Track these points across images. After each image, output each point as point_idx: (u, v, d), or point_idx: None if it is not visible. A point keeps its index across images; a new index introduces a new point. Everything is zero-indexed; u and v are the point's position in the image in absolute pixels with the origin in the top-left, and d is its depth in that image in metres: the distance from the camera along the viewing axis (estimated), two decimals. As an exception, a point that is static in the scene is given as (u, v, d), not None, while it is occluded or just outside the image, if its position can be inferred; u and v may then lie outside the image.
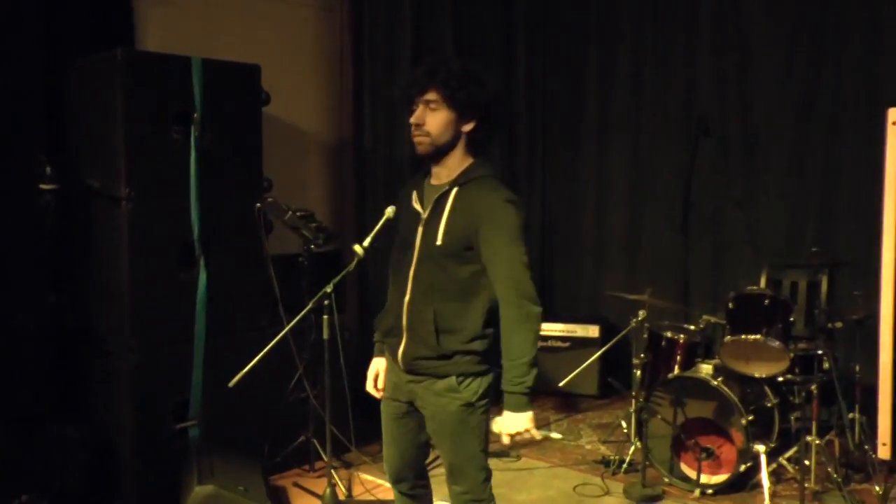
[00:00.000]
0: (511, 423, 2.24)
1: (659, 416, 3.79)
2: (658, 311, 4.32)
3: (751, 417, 3.60)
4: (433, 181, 2.37)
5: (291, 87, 4.58)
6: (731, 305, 3.81)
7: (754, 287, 3.91)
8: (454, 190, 2.29)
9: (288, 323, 2.84)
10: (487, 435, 2.38)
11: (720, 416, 3.66)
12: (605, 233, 5.69)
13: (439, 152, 2.30)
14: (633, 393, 4.06)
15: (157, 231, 3.39)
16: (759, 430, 3.66)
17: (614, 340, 4.38)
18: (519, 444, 2.28)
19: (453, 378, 2.29)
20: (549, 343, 5.27)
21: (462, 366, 2.29)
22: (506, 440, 2.28)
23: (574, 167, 5.81)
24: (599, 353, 4.67)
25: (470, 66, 2.29)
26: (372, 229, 2.52)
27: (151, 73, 3.36)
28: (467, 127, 2.28)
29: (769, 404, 3.79)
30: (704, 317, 4.03)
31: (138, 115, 3.32)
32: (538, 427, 2.23)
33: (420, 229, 2.32)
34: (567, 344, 5.24)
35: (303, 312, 2.78)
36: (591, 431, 4.68)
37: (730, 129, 5.02)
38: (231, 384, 2.63)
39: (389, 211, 2.45)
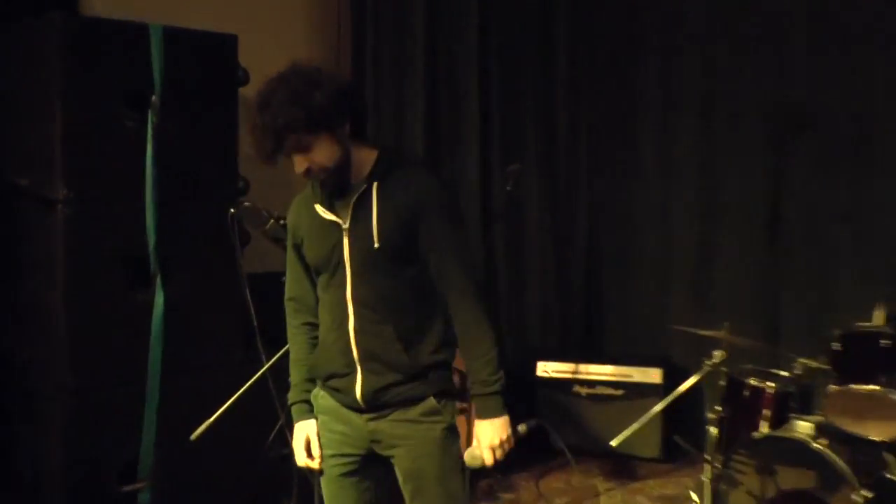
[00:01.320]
0: (490, 433, 2.40)
1: (742, 488, 3.73)
2: (739, 352, 4.23)
3: (869, 495, 3.48)
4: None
5: (275, 63, 4.48)
6: (836, 347, 3.73)
7: (867, 323, 3.83)
8: (374, 185, 2.41)
9: (268, 358, 2.81)
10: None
11: (824, 490, 3.57)
12: (669, 251, 5.65)
13: (345, 171, 2.41)
14: (707, 456, 3.99)
15: (102, 242, 3.39)
16: (878, 510, 3.58)
17: (682, 388, 4.28)
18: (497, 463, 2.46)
19: (432, 399, 2.43)
20: (598, 390, 5.25)
21: (438, 383, 2.44)
22: (488, 458, 2.40)
23: (629, 168, 5.77)
24: (662, 404, 4.53)
25: (294, 77, 2.37)
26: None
27: (98, 44, 3.38)
28: (346, 127, 2.38)
29: (892, 476, 3.67)
30: (801, 360, 3.96)
31: (80, 96, 3.33)
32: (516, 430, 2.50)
33: (345, 241, 2.42)
34: (621, 392, 5.21)
35: (287, 346, 2.73)
36: (652, 505, 4.64)
37: (833, 123, 4.95)
38: (194, 437, 2.62)
39: None
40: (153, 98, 3.44)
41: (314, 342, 2.57)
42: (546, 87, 5.78)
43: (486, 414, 2.41)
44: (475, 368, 2.40)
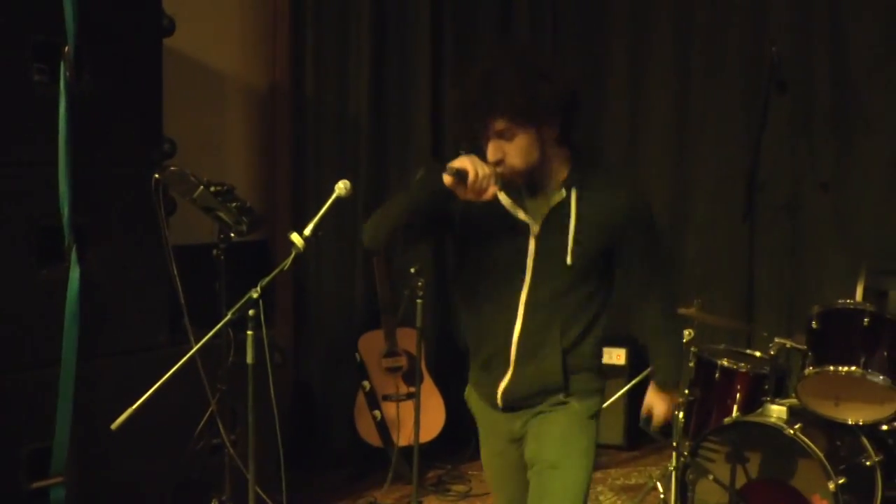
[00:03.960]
0: (665, 406, 2.89)
1: (710, 477, 3.78)
2: (710, 331, 4.35)
3: (842, 480, 3.58)
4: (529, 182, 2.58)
5: (204, 11, 4.54)
6: (814, 325, 3.80)
7: (848, 300, 3.90)
8: (574, 192, 2.50)
9: (197, 340, 2.81)
10: None
11: (798, 478, 3.65)
12: None
13: (535, 172, 2.49)
14: (674, 443, 4.00)
15: (8, 211, 3.32)
16: (853, 498, 3.64)
17: (648, 370, 4.34)
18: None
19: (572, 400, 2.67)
20: (559, 373, 5.26)
21: (582, 382, 2.66)
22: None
23: (595, 131, 5.79)
24: (627, 387, 4.74)
25: (532, 61, 2.44)
26: (316, 211, 2.55)
27: None
28: (552, 133, 2.47)
29: (868, 462, 3.77)
30: (776, 340, 4.02)
31: None
32: None
33: (531, 247, 2.53)
34: None
35: (218, 326, 2.76)
36: (614, 496, 4.69)
37: (816, 83, 5.04)
38: (114, 426, 2.60)
39: (341, 186, 2.55)
40: (66, 49, 3.34)
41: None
42: (505, 35, 5.73)
43: (664, 388, 2.86)
44: (663, 364, 2.85)
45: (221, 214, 3.49)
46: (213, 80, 4.68)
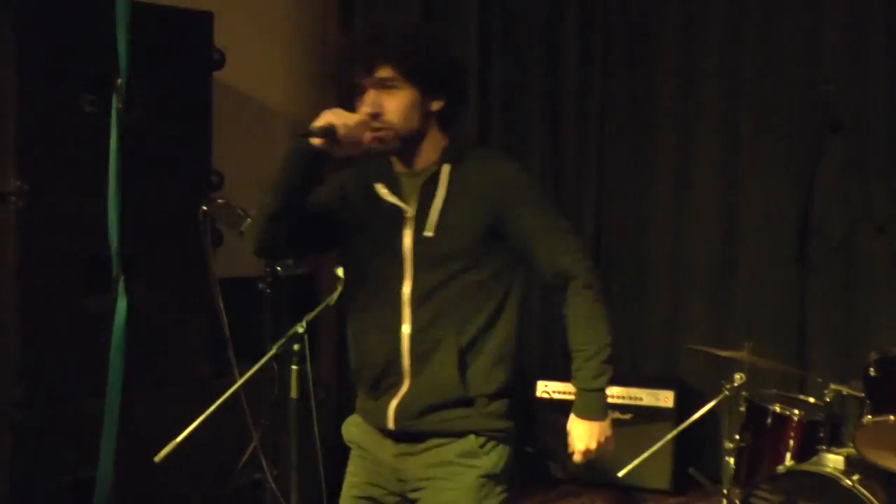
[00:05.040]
0: (586, 436, 2.43)
1: (763, 526, 3.73)
2: (762, 375, 4.27)
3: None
4: (399, 168, 2.44)
5: (254, 45, 4.62)
6: (872, 371, 3.71)
7: (908, 347, 3.83)
8: (445, 168, 2.37)
9: (241, 374, 2.82)
10: None
11: None
12: (685, 261, 5.66)
13: (408, 145, 2.38)
14: (725, 490, 4.02)
15: (58, 241, 3.39)
16: (915, 555, 3.58)
17: (698, 415, 4.33)
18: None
19: (472, 437, 2.40)
20: (605, 415, 5.20)
21: (486, 419, 2.41)
22: (577, 458, 2.45)
23: (643, 170, 5.78)
24: (676, 431, 4.61)
25: (428, 29, 2.46)
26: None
27: (57, 20, 3.36)
28: (436, 105, 2.37)
29: (931, 517, 3.69)
30: (832, 386, 3.94)
31: (36, 78, 3.31)
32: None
33: (408, 232, 2.38)
34: (629, 416, 5.21)
35: (263, 360, 2.76)
36: (662, 543, 4.63)
37: (871, 121, 4.99)
38: (158, 458, 2.63)
39: None
40: (118, 81, 3.38)
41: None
42: (553, 72, 5.78)
43: (583, 413, 2.44)
44: (578, 361, 2.41)
45: (268, 248, 3.50)
46: (261, 114, 4.74)
